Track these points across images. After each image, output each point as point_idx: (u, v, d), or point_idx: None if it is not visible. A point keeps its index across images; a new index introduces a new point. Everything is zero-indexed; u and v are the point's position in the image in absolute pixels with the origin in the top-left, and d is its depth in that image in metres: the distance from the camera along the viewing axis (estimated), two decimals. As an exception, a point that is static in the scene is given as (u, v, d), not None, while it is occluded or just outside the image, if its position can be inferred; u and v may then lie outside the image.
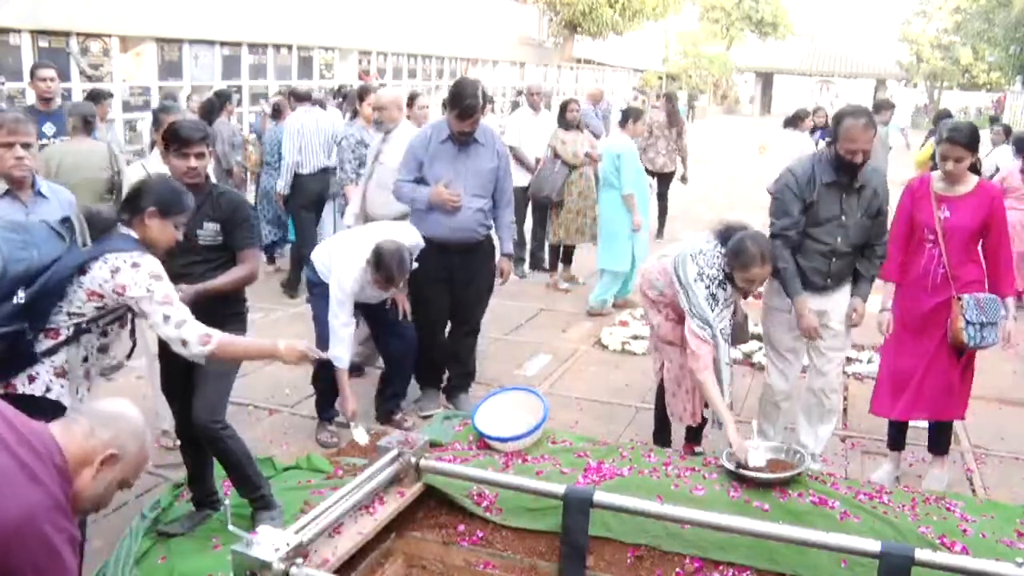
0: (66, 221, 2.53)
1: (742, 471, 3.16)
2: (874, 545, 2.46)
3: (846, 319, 3.85)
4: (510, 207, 4.70)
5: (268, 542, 2.29)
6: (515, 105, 15.74)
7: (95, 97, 6.76)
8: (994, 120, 13.08)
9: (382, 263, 3.94)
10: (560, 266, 7.69)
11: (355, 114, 6.41)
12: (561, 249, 7.63)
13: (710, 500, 3.01)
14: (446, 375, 4.85)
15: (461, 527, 3.01)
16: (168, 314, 2.54)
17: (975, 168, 3.79)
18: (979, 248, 3.75)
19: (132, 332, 2.76)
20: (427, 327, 4.57)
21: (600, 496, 2.78)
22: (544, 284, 7.67)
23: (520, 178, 7.49)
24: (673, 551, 2.81)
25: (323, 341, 4.19)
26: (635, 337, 6.02)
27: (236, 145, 7.45)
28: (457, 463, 3.23)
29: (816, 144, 9.06)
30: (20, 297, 2.36)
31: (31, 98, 6.88)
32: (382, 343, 4.59)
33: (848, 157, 3.59)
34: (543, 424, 3.60)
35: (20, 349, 2.42)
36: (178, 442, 3.55)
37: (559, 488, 2.83)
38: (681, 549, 2.81)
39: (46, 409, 2.50)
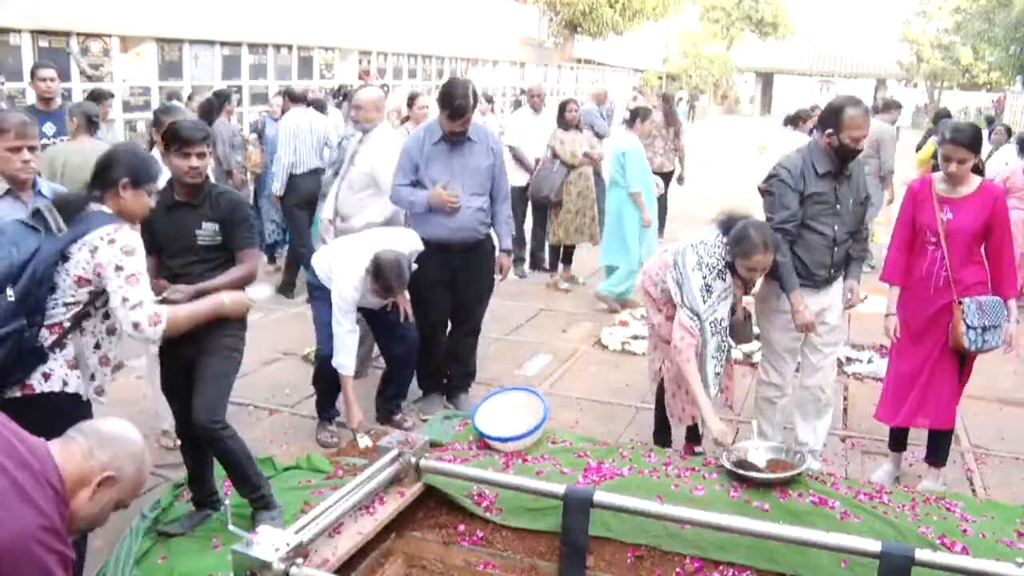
0: (36, 214, 2.54)
1: (742, 471, 3.16)
2: (874, 545, 2.46)
3: (843, 306, 3.92)
4: (507, 202, 4.68)
5: (268, 542, 2.29)
6: (517, 104, 15.75)
7: (96, 97, 6.75)
8: (991, 120, 13.09)
9: (381, 274, 3.96)
10: (560, 266, 7.69)
11: (356, 115, 6.42)
12: (561, 249, 7.63)
13: (710, 500, 3.01)
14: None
15: (461, 527, 3.01)
16: (127, 296, 2.54)
17: (978, 169, 3.77)
18: (982, 250, 3.72)
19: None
20: (428, 329, 4.56)
21: (600, 496, 2.78)
22: (544, 284, 7.67)
23: (519, 178, 7.50)
24: (673, 551, 2.81)
25: (323, 342, 4.20)
26: (635, 337, 6.02)
27: (236, 146, 7.44)
28: (457, 463, 3.23)
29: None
30: (9, 296, 2.37)
31: (31, 98, 6.89)
32: (384, 345, 4.59)
33: (852, 145, 3.64)
34: (543, 424, 3.60)
35: (26, 347, 2.44)
36: (178, 442, 3.55)
37: (559, 488, 2.83)
38: (681, 549, 2.81)
39: (64, 406, 2.54)
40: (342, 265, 4.12)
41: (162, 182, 2.96)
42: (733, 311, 3.69)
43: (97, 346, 2.66)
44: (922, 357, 3.76)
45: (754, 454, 3.24)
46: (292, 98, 7.30)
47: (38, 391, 2.52)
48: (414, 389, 4.74)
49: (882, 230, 7.93)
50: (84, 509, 1.72)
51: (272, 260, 8.03)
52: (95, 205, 2.64)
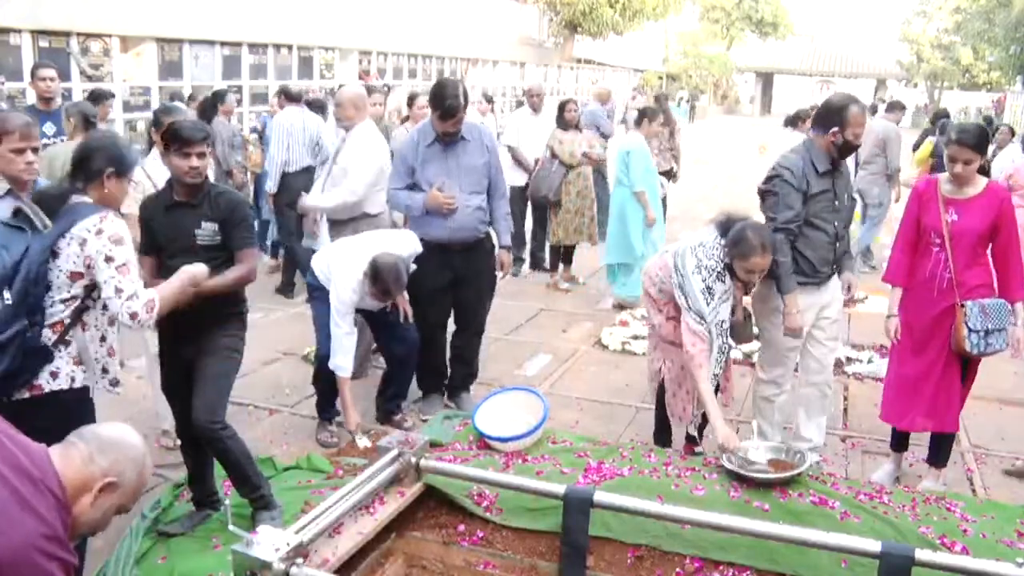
0: (18, 213, 2.54)
1: (742, 471, 3.16)
2: (874, 545, 2.46)
3: (843, 298, 3.99)
4: (504, 199, 4.67)
5: (268, 542, 2.30)
6: (518, 104, 15.75)
7: (96, 97, 6.75)
8: (989, 121, 13.08)
9: (379, 277, 3.96)
10: (560, 266, 7.69)
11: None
12: (561, 249, 7.63)
13: (710, 500, 3.01)
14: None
15: (461, 527, 3.01)
16: (120, 287, 2.54)
17: (984, 169, 3.75)
18: (988, 252, 3.67)
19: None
20: (428, 329, 4.56)
21: (600, 496, 2.78)
22: (544, 284, 7.67)
23: (519, 178, 7.50)
24: (673, 551, 2.81)
25: (323, 343, 4.20)
26: (635, 337, 6.02)
27: (236, 146, 7.44)
28: (457, 463, 3.24)
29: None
30: (7, 299, 2.37)
31: (31, 98, 6.89)
32: (384, 345, 4.59)
33: (855, 141, 3.72)
34: (543, 424, 3.61)
35: (30, 348, 2.44)
36: (178, 442, 3.55)
37: (559, 488, 2.83)
38: (681, 549, 2.81)
39: (72, 403, 2.55)
40: (340, 268, 4.12)
41: (162, 183, 2.99)
42: (733, 312, 3.69)
43: (103, 339, 2.67)
44: (926, 361, 3.72)
45: (754, 454, 3.24)
46: (288, 96, 7.31)
47: (47, 390, 2.53)
48: (414, 389, 4.74)
49: (886, 230, 7.93)
50: (86, 515, 1.72)
51: (276, 257, 8.03)
52: (77, 196, 2.64)
